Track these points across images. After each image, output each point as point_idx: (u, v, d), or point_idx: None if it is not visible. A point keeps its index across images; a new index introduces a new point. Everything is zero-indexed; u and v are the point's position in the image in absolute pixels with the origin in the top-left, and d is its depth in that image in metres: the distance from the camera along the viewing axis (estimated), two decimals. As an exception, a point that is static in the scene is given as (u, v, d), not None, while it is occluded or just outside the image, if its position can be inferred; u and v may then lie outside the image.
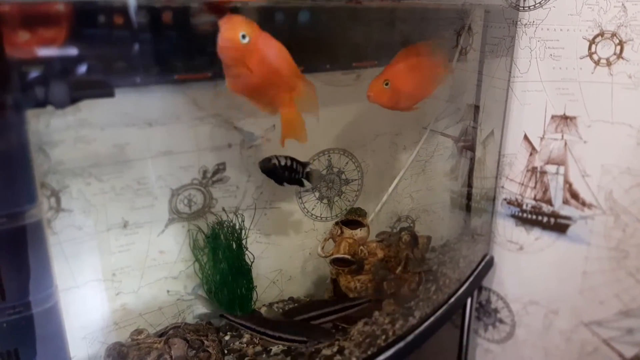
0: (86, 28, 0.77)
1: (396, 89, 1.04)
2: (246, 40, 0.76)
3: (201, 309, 1.11)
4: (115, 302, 1.00)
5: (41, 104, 0.73)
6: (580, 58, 1.31)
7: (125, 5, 0.77)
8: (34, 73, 0.73)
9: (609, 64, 1.28)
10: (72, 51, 0.75)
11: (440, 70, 1.16)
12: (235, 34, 0.75)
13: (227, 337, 1.09)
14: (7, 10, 0.67)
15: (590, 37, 1.29)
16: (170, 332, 0.94)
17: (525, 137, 1.45)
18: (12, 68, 0.67)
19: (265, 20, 1.02)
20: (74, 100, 0.73)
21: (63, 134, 0.86)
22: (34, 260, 0.68)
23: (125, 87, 0.89)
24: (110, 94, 0.74)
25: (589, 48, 1.30)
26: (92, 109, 0.87)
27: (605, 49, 1.28)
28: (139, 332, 0.93)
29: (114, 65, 0.83)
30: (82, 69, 0.77)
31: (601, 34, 1.27)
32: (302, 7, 1.05)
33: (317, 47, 1.14)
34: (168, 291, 1.07)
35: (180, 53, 0.95)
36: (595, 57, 1.29)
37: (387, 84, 1.03)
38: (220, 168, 1.07)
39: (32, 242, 0.68)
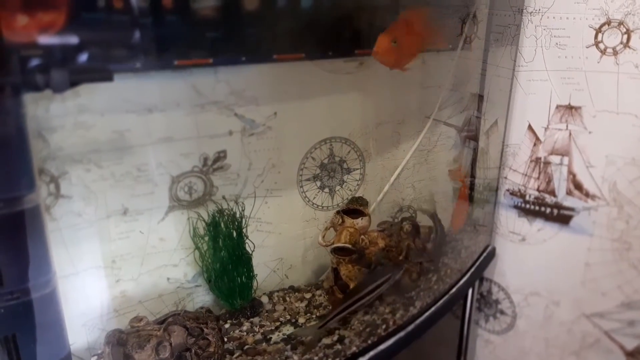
0: (85, 11, 0.76)
1: (401, 48, 1.08)
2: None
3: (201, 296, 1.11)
4: (115, 289, 1.00)
5: (39, 87, 0.72)
6: (586, 47, 1.30)
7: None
8: (32, 56, 0.72)
9: (615, 53, 1.26)
10: (71, 35, 0.74)
11: (431, 35, 1.22)
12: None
13: (227, 325, 1.09)
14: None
15: (597, 26, 1.27)
16: (170, 319, 0.94)
17: (530, 127, 1.43)
18: (10, 51, 0.67)
19: (267, 5, 1.01)
20: (72, 84, 0.72)
21: (62, 119, 0.85)
22: (32, 246, 0.68)
23: (125, 72, 0.88)
24: (108, 77, 0.73)
25: (595, 37, 1.28)
26: (92, 95, 0.86)
27: (611, 38, 1.26)
28: (138, 319, 0.92)
29: (113, 50, 0.82)
30: (81, 52, 0.76)
31: (608, 22, 1.25)
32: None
33: (319, 34, 1.12)
34: (168, 279, 1.07)
35: (180, 38, 0.94)
36: (601, 46, 1.28)
37: (394, 42, 1.06)
38: (221, 155, 1.06)
39: (30, 227, 0.67)
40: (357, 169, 1.29)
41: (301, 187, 1.21)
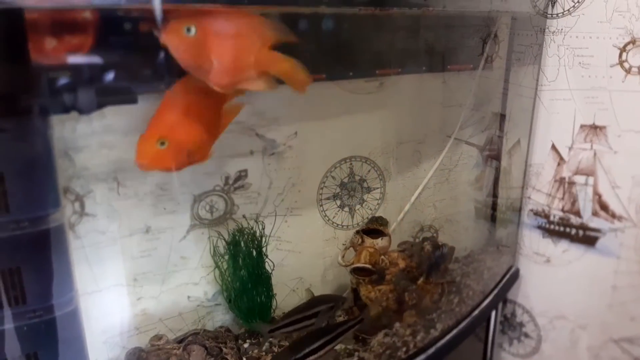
0: (112, 35, 0.78)
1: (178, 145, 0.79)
2: (192, 32, 0.70)
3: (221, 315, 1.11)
4: (136, 307, 1.01)
5: (66, 109, 0.74)
6: (611, 66, 1.28)
7: (150, 13, 0.78)
8: (59, 79, 0.74)
9: (641, 72, 1.24)
10: (97, 58, 0.76)
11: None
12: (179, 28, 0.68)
13: (246, 345, 1.09)
14: (34, 17, 0.68)
15: (621, 45, 1.25)
16: (190, 338, 0.94)
17: (553, 147, 1.41)
18: (38, 74, 0.69)
19: (289, 28, 1.02)
20: (97, 106, 0.74)
21: (88, 139, 0.87)
22: (55, 264, 0.69)
23: (149, 93, 0.90)
24: (133, 100, 0.75)
25: (620, 56, 1.26)
26: (116, 116, 0.88)
27: (636, 57, 1.24)
28: (158, 337, 0.93)
29: (137, 72, 0.84)
30: (107, 75, 0.78)
31: (632, 41, 1.24)
32: (326, 14, 1.05)
33: (340, 54, 1.13)
34: (189, 297, 1.07)
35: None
36: (626, 65, 1.26)
37: (163, 144, 0.77)
38: (242, 175, 1.07)
39: (53, 246, 0.68)
40: (378, 188, 1.28)
41: (321, 206, 1.21)
